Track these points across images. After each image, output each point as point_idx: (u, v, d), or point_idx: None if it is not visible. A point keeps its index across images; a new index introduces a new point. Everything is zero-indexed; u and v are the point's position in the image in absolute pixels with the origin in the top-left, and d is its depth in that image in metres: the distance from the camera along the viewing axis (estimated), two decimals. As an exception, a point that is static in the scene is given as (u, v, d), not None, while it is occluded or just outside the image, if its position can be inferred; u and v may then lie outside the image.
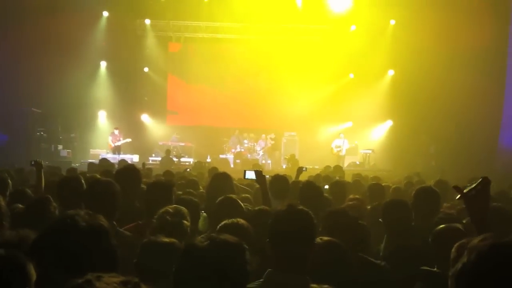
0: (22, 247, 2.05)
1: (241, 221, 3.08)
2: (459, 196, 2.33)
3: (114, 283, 1.24)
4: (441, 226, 3.06)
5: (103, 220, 1.82)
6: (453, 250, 2.36)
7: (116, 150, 17.27)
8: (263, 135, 19.12)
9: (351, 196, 4.97)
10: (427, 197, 4.09)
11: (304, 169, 7.32)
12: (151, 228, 3.16)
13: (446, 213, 4.17)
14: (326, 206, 4.58)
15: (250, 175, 5.00)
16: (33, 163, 5.45)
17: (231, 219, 3.09)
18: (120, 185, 4.09)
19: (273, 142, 18.78)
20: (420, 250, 3.21)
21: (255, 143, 19.07)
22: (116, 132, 17.50)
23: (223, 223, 3.07)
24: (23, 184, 5.94)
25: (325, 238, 2.92)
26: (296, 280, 2.23)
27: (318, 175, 8.67)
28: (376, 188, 5.92)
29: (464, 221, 3.58)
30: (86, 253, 1.69)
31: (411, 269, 2.87)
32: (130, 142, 17.59)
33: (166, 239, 2.68)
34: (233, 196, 4.08)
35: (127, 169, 4.68)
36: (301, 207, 2.48)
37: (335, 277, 2.67)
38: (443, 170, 14.27)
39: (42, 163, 5.52)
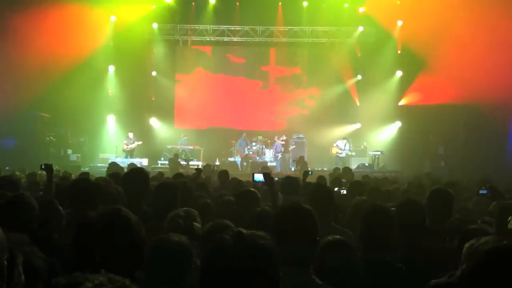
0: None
1: (227, 222, 3.13)
2: None
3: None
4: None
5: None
6: (464, 251, 2.38)
7: (129, 153, 17.36)
8: (280, 138, 18.83)
9: (357, 198, 4.98)
10: (441, 198, 4.04)
11: (310, 172, 7.30)
12: (162, 231, 3.16)
13: (462, 214, 4.13)
14: (336, 208, 4.59)
15: (259, 177, 4.99)
16: (43, 166, 5.47)
17: (218, 220, 3.17)
18: (127, 187, 4.10)
19: (284, 143, 18.69)
20: (435, 252, 3.20)
21: (264, 146, 19.01)
22: (131, 135, 17.60)
23: (209, 224, 3.12)
24: (35, 188, 5.96)
25: (336, 237, 2.93)
26: (298, 272, 2.28)
27: (324, 177, 8.64)
28: (374, 193, 5.98)
29: (479, 221, 3.57)
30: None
31: (427, 270, 2.86)
32: (139, 145, 17.64)
33: (177, 238, 2.55)
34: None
35: (134, 172, 4.66)
36: (305, 205, 2.53)
37: (345, 277, 2.68)
38: (450, 170, 14.22)
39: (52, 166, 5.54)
